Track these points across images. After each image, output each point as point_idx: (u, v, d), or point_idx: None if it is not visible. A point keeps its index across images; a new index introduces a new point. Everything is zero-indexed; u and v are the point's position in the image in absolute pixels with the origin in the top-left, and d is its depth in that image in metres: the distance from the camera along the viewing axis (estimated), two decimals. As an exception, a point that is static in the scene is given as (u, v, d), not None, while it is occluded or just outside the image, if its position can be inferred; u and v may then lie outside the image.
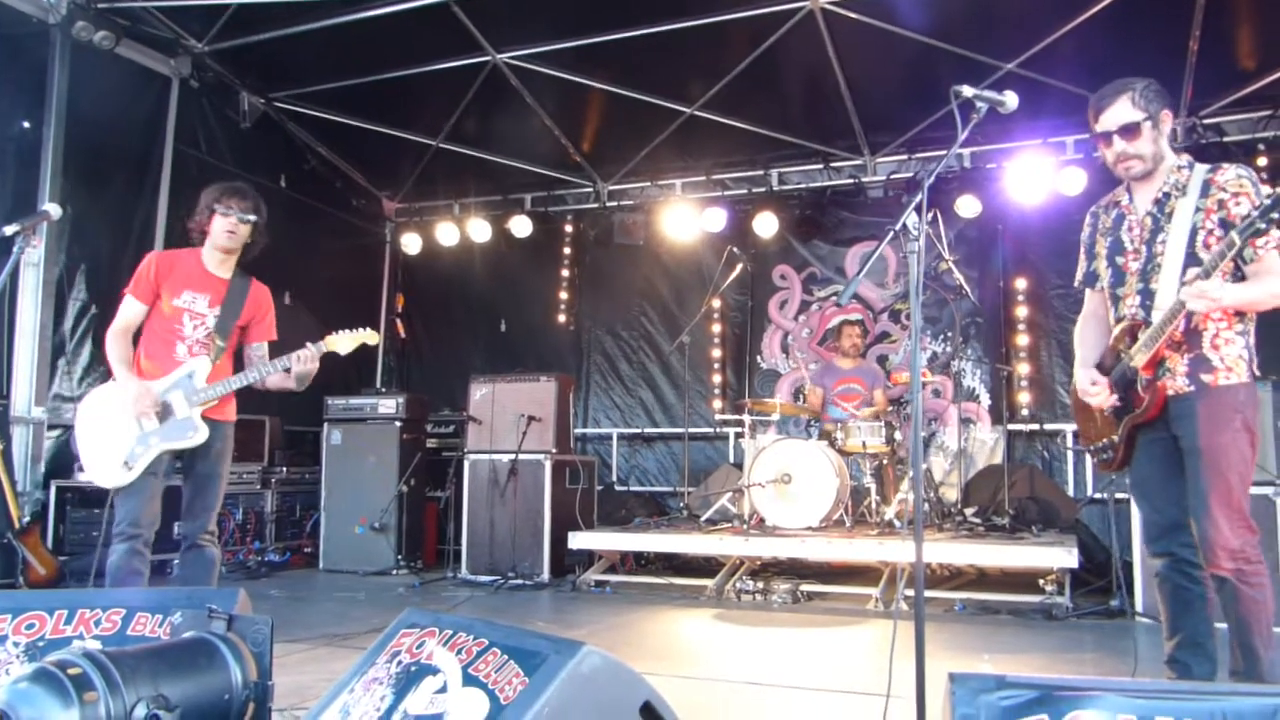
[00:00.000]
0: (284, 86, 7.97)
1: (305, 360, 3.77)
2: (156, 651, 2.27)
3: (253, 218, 3.90)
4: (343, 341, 3.91)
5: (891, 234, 2.69)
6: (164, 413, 3.72)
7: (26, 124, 6.38)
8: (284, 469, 7.75)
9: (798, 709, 3.48)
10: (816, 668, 4.22)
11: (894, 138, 7.99)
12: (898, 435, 6.58)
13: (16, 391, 6.21)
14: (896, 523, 6.16)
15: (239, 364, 4.02)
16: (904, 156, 8.13)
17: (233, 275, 3.97)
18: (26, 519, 5.69)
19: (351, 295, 9.31)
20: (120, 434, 3.66)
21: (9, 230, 3.30)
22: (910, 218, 2.63)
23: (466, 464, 7.01)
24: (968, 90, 2.66)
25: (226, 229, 3.86)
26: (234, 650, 2.27)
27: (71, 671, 1.96)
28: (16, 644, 2.54)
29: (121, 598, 2.73)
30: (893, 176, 8.17)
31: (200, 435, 3.74)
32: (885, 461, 6.61)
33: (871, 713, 2.88)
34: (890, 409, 6.82)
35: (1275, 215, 2.59)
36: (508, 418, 6.91)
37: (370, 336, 4.06)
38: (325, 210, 8.94)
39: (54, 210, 3.55)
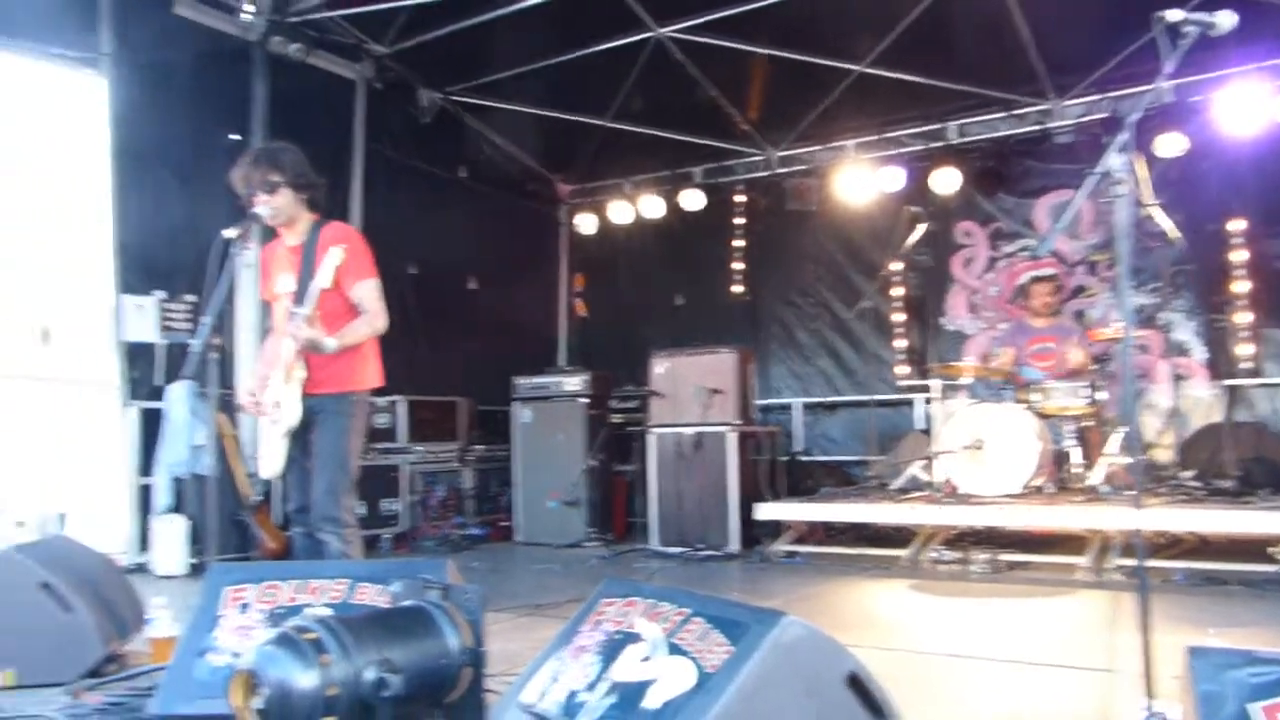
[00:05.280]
0: (459, 80, 8.22)
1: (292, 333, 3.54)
2: (381, 618, 2.43)
3: (276, 178, 3.65)
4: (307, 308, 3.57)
5: (1094, 178, 2.52)
6: (276, 401, 3.66)
7: (234, 136, 6.83)
8: (479, 447, 8.08)
9: (1007, 683, 3.34)
10: (1024, 640, 4.03)
11: (1082, 78, 7.43)
12: (1101, 395, 6.18)
13: (241, 383, 6.60)
14: (1104, 488, 5.80)
15: None
16: (1094, 97, 7.55)
17: (306, 236, 3.76)
18: (258, 497, 6.12)
19: (532, 278, 9.65)
20: (264, 430, 3.77)
21: (228, 234, 3.48)
22: (1113, 159, 2.45)
23: (651, 438, 7.10)
24: (1174, 14, 2.44)
25: (267, 214, 3.67)
26: (449, 618, 2.38)
27: (309, 636, 2.11)
28: (260, 610, 2.80)
29: (345, 569, 2.97)
30: (1083, 120, 7.63)
31: (288, 414, 3.59)
32: (1088, 423, 6.23)
33: (1089, 688, 2.74)
34: (1091, 367, 6.40)
35: None
36: (689, 391, 6.94)
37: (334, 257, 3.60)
38: (503, 197, 9.18)
39: (265, 213, 3.69)
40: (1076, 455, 6.16)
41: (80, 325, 6.47)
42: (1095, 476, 5.93)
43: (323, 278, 3.52)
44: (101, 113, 6.27)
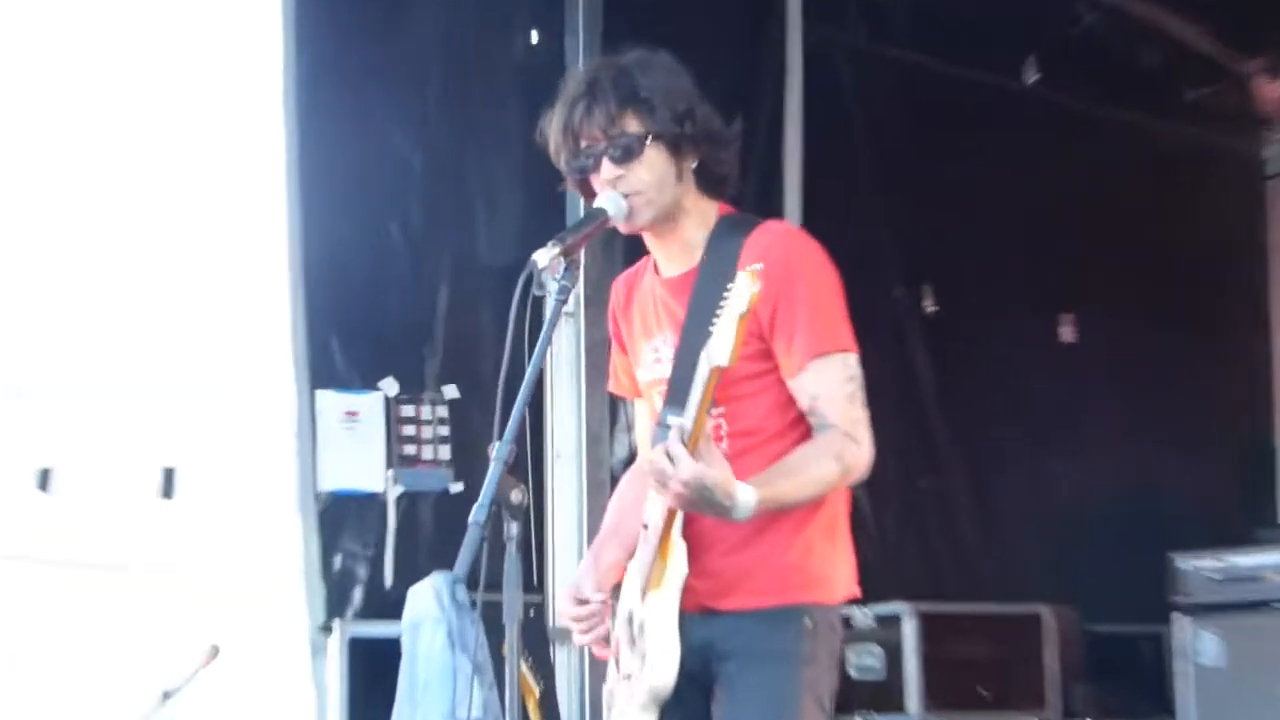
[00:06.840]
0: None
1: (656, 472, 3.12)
2: None
3: (634, 126, 3.33)
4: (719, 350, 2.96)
5: None
6: (636, 631, 3.48)
7: (535, 37, 7.08)
8: (1093, 720, 7.39)
9: None
10: None
11: None
12: None
13: (558, 585, 6.38)
14: None
15: None
16: None
17: (703, 253, 3.47)
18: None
19: (1201, 306, 8.80)
20: (611, 695, 3.59)
21: (539, 258, 3.03)
22: None
23: None
24: None
25: (615, 208, 3.38)
26: None
27: None
28: None
29: None
30: None
31: (659, 659, 3.34)
32: None
33: None
34: None
35: None
36: None
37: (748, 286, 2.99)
38: (1126, 123, 8.52)
39: (612, 207, 3.35)
40: None
41: (221, 457, 6.90)
42: None
43: (720, 345, 2.91)
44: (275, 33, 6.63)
